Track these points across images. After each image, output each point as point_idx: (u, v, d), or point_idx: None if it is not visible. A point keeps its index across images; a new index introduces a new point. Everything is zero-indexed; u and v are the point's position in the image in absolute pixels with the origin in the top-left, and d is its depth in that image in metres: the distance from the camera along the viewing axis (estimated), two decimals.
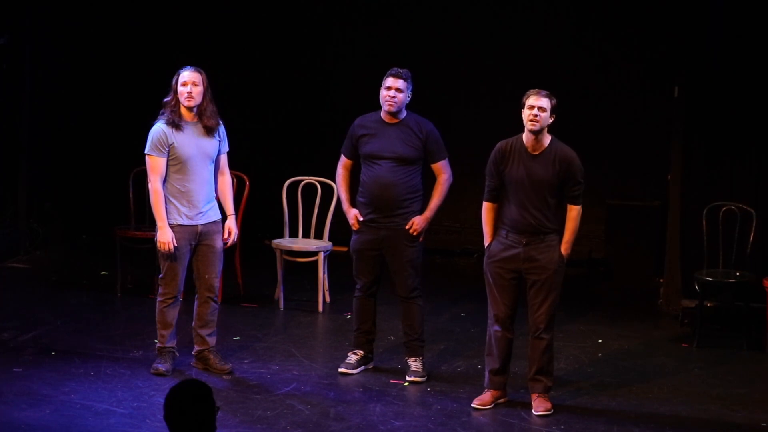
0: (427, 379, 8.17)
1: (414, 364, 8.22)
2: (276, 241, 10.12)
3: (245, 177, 10.17)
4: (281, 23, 12.29)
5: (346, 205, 8.28)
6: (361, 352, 8.35)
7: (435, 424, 7.37)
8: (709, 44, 9.84)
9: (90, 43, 12.07)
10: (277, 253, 10.00)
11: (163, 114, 8.02)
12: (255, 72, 12.40)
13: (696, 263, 9.49)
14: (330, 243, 10.04)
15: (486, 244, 7.64)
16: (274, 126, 12.43)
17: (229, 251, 10.03)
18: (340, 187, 8.35)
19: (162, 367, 8.09)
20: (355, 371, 8.27)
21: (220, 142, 8.12)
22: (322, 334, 9.48)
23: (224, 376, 8.08)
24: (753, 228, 9.31)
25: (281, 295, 9.98)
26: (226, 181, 8.26)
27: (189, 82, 7.97)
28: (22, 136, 11.43)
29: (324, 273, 9.95)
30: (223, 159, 8.21)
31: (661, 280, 10.47)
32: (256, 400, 7.69)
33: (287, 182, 10.24)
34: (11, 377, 7.94)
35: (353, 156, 8.28)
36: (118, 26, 12.15)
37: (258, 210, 10.91)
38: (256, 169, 10.80)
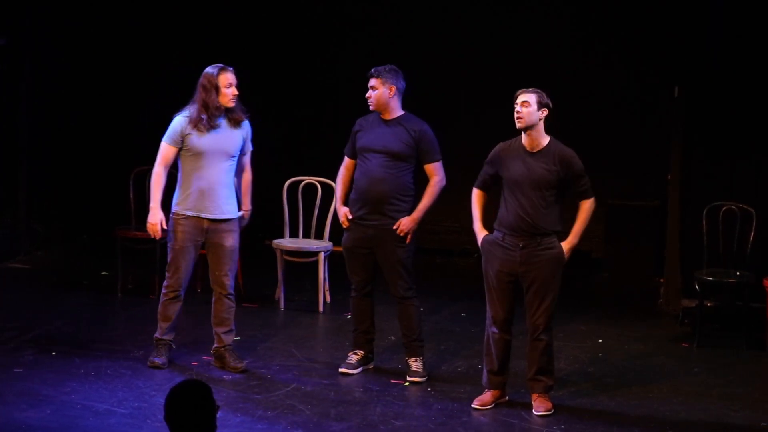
0: (427, 379, 8.17)
1: (414, 364, 8.23)
2: (276, 241, 10.13)
3: None
4: (282, 24, 12.29)
5: (338, 203, 8.34)
6: (362, 352, 8.36)
7: (435, 424, 7.37)
8: (709, 44, 9.85)
9: (90, 43, 12.06)
10: (278, 254, 10.00)
11: (193, 116, 8.03)
12: (256, 72, 12.37)
13: (696, 263, 9.49)
14: (330, 243, 10.05)
15: (476, 227, 7.65)
16: (275, 126, 12.42)
17: None
18: (338, 185, 8.40)
19: (158, 360, 8.17)
20: (355, 371, 8.28)
21: (244, 140, 8.19)
22: (322, 334, 9.48)
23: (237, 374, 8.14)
24: (753, 227, 9.32)
25: (282, 295, 9.99)
26: (247, 179, 8.36)
27: (233, 83, 8.13)
28: (22, 136, 11.43)
29: (324, 273, 9.95)
30: (246, 158, 8.30)
31: (661, 280, 10.47)
32: (256, 399, 7.69)
33: (288, 182, 10.25)
34: (12, 377, 7.95)
35: (354, 155, 8.31)
36: (118, 26, 12.15)
37: (258, 210, 10.88)
38: (257, 169, 10.76)
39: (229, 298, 8.20)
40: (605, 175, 11.32)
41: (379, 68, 8.21)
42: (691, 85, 9.98)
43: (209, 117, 8.03)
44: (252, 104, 12.35)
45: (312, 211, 10.10)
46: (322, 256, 9.92)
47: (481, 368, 7.91)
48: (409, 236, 8.10)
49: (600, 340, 9.29)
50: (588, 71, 11.70)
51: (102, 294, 10.22)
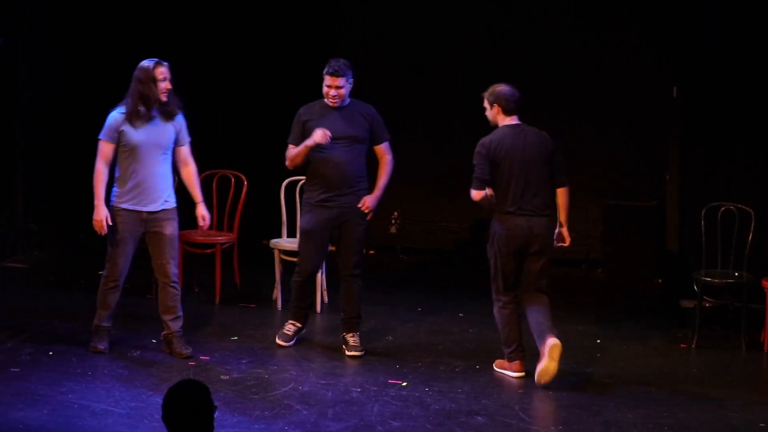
0: (424, 380, 8.15)
1: (353, 339, 8.59)
2: (274, 241, 10.10)
3: (243, 177, 10.17)
4: (279, 23, 12.27)
5: (303, 146, 8.48)
6: (299, 324, 8.76)
7: (433, 424, 7.35)
8: (708, 44, 9.84)
9: (87, 44, 12.04)
10: (275, 253, 9.99)
11: (130, 110, 8.20)
12: (252, 72, 12.37)
13: (694, 263, 9.47)
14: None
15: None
16: (272, 126, 12.39)
17: (227, 252, 10.07)
18: (294, 161, 8.63)
19: (101, 346, 8.41)
20: (290, 343, 8.69)
21: (178, 132, 8.30)
22: (319, 334, 9.44)
23: (189, 363, 8.26)
24: (751, 228, 9.29)
25: (279, 295, 9.97)
26: (191, 171, 8.46)
27: (167, 78, 8.25)
28: (18, 136, 11.40)
29: (322, 273, 9.92)
30: (185, 150, 8.41)
31: (659, 281, 10.45)
32: (254, 400, 7.67)
33: (285, 182, 10.22)
34: (9, 377, 7.93)
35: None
36: (116, 26, 12.12)
37: (256, 210, 10.90)
38: (254, 169, 10.79)
39: (173, 287, 8.36)
40: (603, 175, 11.33)
41: (339, 66, 8.48)
42: (689, 85, 9.96)
43: (147, 109, 8.19)
44: (249, 104, 12.39)
45: None
46: None
47: (479, 368, 7.88)
48: (370, 214, 8.52)
49: (598, 341, 9.27)
50: (586, 71, 11.67)
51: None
